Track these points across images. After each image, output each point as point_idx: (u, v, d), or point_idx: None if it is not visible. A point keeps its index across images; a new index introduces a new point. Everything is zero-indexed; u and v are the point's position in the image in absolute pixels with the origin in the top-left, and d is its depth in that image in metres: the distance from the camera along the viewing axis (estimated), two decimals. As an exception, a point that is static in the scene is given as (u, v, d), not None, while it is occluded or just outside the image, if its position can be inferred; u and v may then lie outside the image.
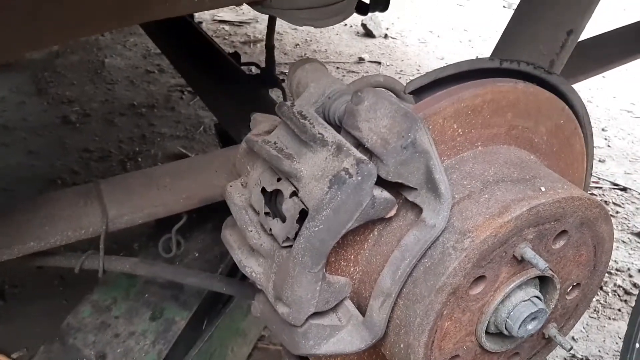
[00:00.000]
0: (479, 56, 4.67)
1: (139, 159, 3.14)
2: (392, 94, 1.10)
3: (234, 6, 4.47)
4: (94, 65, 4.04)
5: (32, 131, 3.30)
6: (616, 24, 2.40)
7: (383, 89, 1.09)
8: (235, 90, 2.34)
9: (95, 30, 1.10)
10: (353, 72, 4.30)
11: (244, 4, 1.33)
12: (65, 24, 0.99)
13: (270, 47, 2.50)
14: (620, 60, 2.25)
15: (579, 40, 1.54)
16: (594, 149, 1.29)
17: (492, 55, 1.56)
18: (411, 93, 1.11)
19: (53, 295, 2.30)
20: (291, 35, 4.69)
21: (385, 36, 4.90)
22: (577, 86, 1.89)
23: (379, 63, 4.48)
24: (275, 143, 1.08)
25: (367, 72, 4.33)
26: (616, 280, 2.61)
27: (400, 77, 4.26)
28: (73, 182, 2.92)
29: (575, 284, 1.18)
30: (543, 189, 1.05)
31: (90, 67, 4.01)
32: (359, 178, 0.95)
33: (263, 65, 2.52)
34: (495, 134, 1.12)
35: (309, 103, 1.09)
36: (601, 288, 2.54)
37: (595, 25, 1.79)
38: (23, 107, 3.53)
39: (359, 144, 1.02)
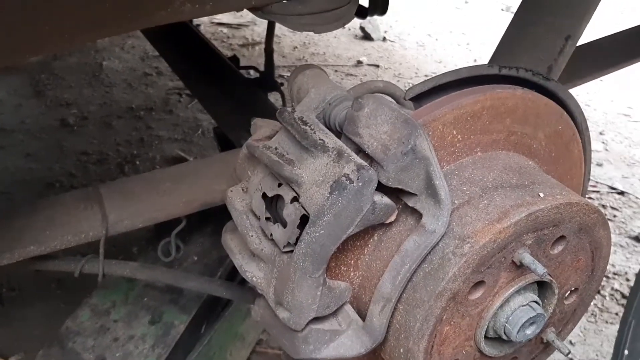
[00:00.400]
0: (477, 59, 4.69)
1: (137, 162, 3.14)
2: (393, 100, 1.11)
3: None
4: (92, 68, 4.04)
5: (29, 134, 3.29)
6: (614, 26, 2.42)
7: (383, 95, 1.09)
8: (234, 94, 2.34)
9: (96, 36, 1.10)
10: (351, 75, 4.31)
11: (243, 8, 1.33)
12: (65, 29, 0.99)
13: (269, 51, 2.51)
14: (618, 65, 2.26)
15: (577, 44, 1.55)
16: (592, 152, 1.30)
17: (490, 60, 1.57)
18: (411, 99, 1.12)
19: (51, 299, 2.29)
20: (289, 38, 4.70)
21: (384, 39, 4.91)
22: (574, 90, 1.91)
23: (377, 66, 4.49)
24: (276, 148, 1.08)
25: (366, 75, 4.34)
26: (613, 284, 2.62)
27: (398, 80, 4.27)
28: (71, 185, 2.92)
29: (573, 288, 1.19)
30: (541, 194, 1.06)
31: (88, 70, 4.01)
32: (360, 184, 0.95)
33: (262, 68, 2.52)
34: (494, 140, 1.12)
35: (309, 109, 1.09)
36: (599, 292, 2.55)
37: (593, 28, 1.80)
38: (21, 109, 3.53)
39: (360, 150, 1.03)
